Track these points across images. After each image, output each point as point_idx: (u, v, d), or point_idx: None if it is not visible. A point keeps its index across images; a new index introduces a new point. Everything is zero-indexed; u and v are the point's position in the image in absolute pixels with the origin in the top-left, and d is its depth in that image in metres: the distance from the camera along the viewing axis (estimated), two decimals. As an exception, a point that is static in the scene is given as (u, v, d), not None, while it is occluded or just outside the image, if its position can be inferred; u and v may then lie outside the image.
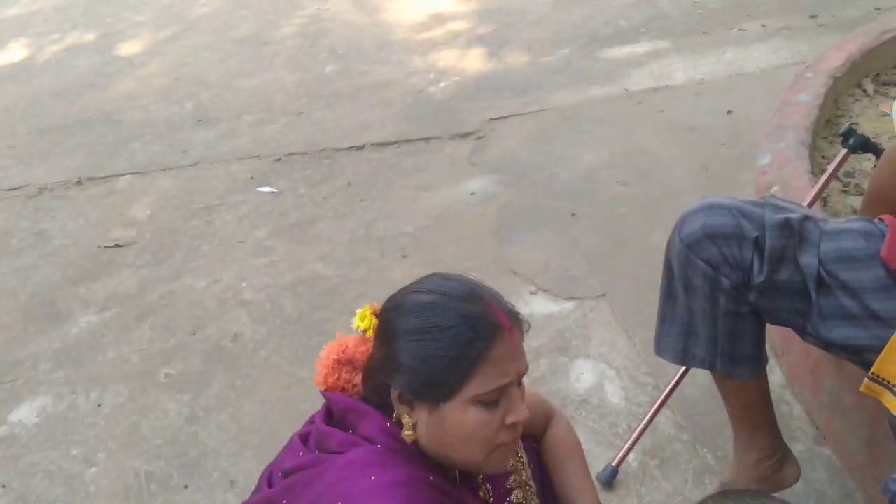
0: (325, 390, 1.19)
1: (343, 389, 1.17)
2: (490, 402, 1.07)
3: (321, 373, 1.18)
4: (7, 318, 2.78)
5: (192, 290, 2.80)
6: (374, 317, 1.16)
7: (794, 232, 1.42)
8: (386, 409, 1.14)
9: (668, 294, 1.56)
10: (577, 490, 1.41)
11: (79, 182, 3.62)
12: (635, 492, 1.90)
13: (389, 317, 1.12)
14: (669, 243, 1.53)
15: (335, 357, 1.17)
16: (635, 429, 1.96)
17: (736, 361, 1.52)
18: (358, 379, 1.17)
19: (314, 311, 2.63)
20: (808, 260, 1.40)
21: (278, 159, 3.61)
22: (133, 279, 2.90)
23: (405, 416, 1.10)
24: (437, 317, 1.07)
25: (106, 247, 3.13)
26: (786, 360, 2.11)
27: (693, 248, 1.44)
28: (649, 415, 1.95)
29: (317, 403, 1.92)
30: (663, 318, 1.59)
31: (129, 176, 3.63)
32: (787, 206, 1.48)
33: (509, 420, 1.09)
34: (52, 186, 3.62)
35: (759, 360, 1.55)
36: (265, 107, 4.18)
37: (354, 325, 1.15)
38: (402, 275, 2.74)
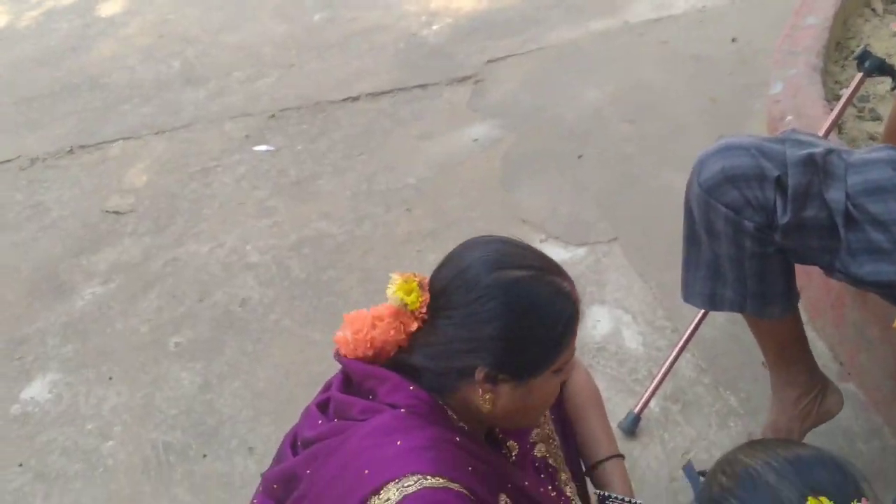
0: (343, 357, 1.15)
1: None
2: (564, 368, 1.12)
3: (347, 347, 1.13)
4: (11, 294, 2.74)
5: (196, 255, 2.75)
6: (421, 290, 1.09)
7: (819, 167, 1.36)
8: (404, 372, 1.10)
9: (690, 240, 1.51)
10: (595, 440, 1.41)
11: (71, 151, 3.53)
12: (658, 438, 1.88)
13: (477, 296, 1.05)
14: (688, 189, 1.47)
15: (363, 353, 1.12)
16: (656, 374, 1.93)
17: (767, 301, 1.48)
18: (383, 355, 1.13)
19: (321, 271, 2.59)
20: (834, 195, 1.35)
21: (272, 116, 3.51)
22: (135, 248, 2.85)
23: (488, 393, 1.07)
24: (536, 295, 1.06)
25: (106, 212, 3.07)
26: (806, 294, 2.05)
27: (713, 192, 1.39)
28: (670, 359, 1.92)
29: (331, 365, 1.87)
30: (688, 264, 1.54)
31: (121, 141, 3.54)
32: (809, 141, 1.42)
33: (563, 380, 1.15)
34: (45, 157, 3.53)
35: (790, 297, 1.51)
36: (254, 61, 4.06)
37: (397, 299, 1.08)
38: (408, 229, 2.69)
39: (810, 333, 2.02)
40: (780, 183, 1.36)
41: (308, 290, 2.52)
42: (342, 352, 1.14)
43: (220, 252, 2.75)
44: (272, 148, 3.28)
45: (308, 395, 2.07)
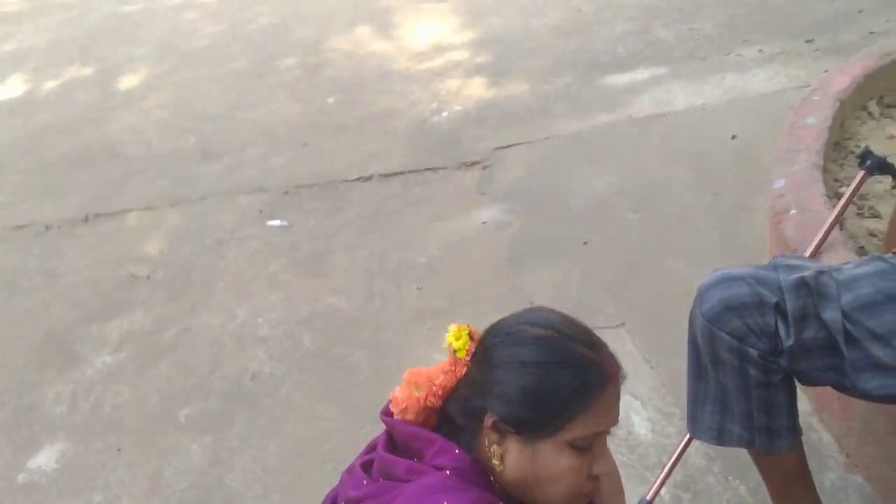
0: (388, 417, 1.19)
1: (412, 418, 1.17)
2: (583, 448, 1.08)
3: (400, 404, 1.16)
4: (21, 360, 2.76)
5: (208, 327, 2.79)
6: (469, 338, 1.15)
7: (811, 289, 1.42)
8: (452, 433, 1.13)
9: (696, 372, 1.56)
10: None
11: (86, 219, 3.61)
12: (669, 525, 1.89)
13: (497, 341, 1.12)
14: (691, 320, 1.53)
15: (432, 403, 1.15)
16: (666, 462, 1.95)
17: (773, 434, 1.51)
18: (430, 411, 1.16)
19: (333, 346, 2.62)
20: (830, 315, 1.40)
21: (286, 192, 3.61)
22: (147, 317, 2.88)
23: (494, 444, 1.10)
24: (554, 354, 1.08)
25: (119, 281, 3.12)
26: (812, 387, 2.11)
27: (715, 322, 1.45)
28: (679, 448, 1.93)
29: (341, 443, 1.89)
30: (695, 399, 1.58)
31: (136, 212, 3.62)
32: (798, 265, 1.48)
33: (596, 470, 1.10)
34: (59, 223, 3.60)
35: (796, 430, 1.55)
36: (269, 139, 4.19)
37: (446, 344, 1.15)
38: (418, 306, 2.74)
39: (816, 425, 2.07)
40: (779, 308, 1.41)
41: (319, 364, 2.55)
42: (394, 411, 1.17)
43: (232, 324, 2.79)
44: (286, 223, 3.36)
45: (318, 472, 2.08)
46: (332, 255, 3.11)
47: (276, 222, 3.38)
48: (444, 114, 4.13)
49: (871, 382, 1.40)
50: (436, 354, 2.50)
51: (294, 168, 3.82)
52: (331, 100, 4.52)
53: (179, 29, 6.23)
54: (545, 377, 1.07)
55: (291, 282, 2.98)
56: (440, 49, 4.96)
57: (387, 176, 3.62)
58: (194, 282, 3.06)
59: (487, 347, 1.13)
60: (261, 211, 3.48)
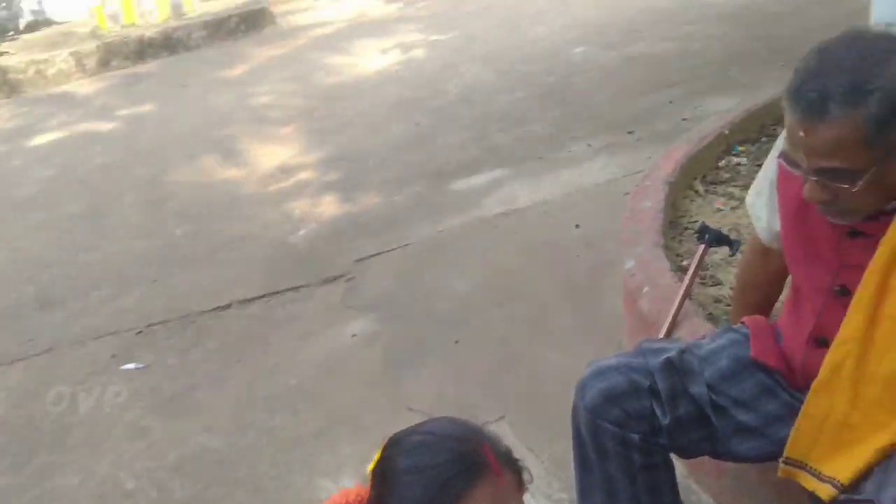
0: None
1: None
2: None
3: None
4: None
5: (63, 489, 2.53)
6: None
7: (677, 368, 1.54)
8: None
9: (582, 463, 1.61)
10: None
11: None
12: None
13: (385, 455, 1.11)
14: (574, 412, 1.60)
15: None
16: (565, 550, 1.94)
17: None
18: None
19: (207, 489, 2.45)
20: (697, 389, 1.52)
21: (139, 332, 3.42)
22: (-9, 490, 2.59)
23: None
24: (424, 456, 1.08)
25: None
26: (689, 451, 2.18)
27: (597, 413, 1.53)
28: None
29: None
30: (583, 491, 1.63)
31: (-31, 377, 3.30)
32: (661, 347, 1.61)
33: None
34: None
35: None
36: (115, 279, 3.98)
37: (368, 469, 1.13)
38: (296, 432, 2.64)
39: (693, 486, 2.14)
40: (652, 391, 1.52)
41: (194, 511, 2.37)
42: None
43: (91, 482, 2.55)
44: (142, 365, 3.17)
45: None
46: (196, 392, 2.95)
47: (132, 365, 3.18)
48: (300, 232, 4.12)
49: (742, 446, 1.52)
50: (319, 480, 2.39)
51: (145, 306, 3.64)
52: (178, 231, 4.40)
53: (6, 178, 5.91)
54: (414, 481, 1.07)
55: (154, 427, 2.79)
56: (288, 171, 4.99)
57: (246, 301, 3.52)
58: (44, 442, 2.79)
59: (379, 462, 1.13)
60: (113, 355, 3.27)
